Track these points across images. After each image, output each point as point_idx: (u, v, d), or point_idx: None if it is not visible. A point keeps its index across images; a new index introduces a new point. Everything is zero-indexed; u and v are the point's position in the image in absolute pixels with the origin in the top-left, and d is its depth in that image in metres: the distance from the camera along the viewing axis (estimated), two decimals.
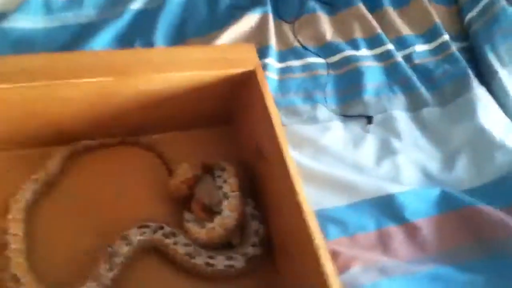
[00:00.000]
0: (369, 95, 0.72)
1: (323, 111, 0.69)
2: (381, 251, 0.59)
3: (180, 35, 0.71)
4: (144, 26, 0.70)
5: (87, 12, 0.70)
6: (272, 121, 0.50)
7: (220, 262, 0.51)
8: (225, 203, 0.52)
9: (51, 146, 0.55)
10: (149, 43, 0.68)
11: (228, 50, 0.54)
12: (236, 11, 0.76)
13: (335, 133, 0.67)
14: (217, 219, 0.52)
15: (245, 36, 0.73)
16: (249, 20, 0.74)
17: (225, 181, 0.54)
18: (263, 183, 0.55)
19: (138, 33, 0.69)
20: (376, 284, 0.56)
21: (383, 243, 0.60)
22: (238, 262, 0.52)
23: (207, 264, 0.51)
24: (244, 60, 0.53)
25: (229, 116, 0.61)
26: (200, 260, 0.51)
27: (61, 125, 0.53)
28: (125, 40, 0.68)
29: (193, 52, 0.52)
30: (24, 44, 0.64)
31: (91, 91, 0.49)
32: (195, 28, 0.72)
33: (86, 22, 0.69)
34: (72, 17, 0.69)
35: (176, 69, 0.50)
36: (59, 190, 0.54)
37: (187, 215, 0.54)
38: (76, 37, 0.67)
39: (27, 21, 0.66)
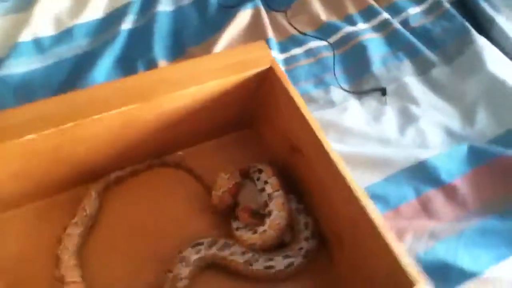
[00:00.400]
0: (377, 67, 0.72)
1: (337, 93, 0.69)
2: (426, 217, 0.60)
3: (179, 46, 0.70)
4: (141, 44, 0.69)
5: (80, 42, 0.68)
6: (301, 111, 0.50)
7: (279, 262, 0.51)
8: (272, 203, 0.52)
9: (82, 185, 0.54)
10: (150, 61, 0.67)
11: (241, 53, 0.53)
12: (226, 11, 0.75)
13: (353, 112, 0.67)
14: (268, 221, 0.52)
15: (243, 34, 0.72)
16: (243, 17, 0.73)
17: (266, 182, 0.53)
18: (302, 176, 0.55)
19: (137, 53, 0.68)
20: (430, 250, 0.57)
21: (426, 209, 0.61)
22: (296, 258, 0.52)
23: (267, 267, 0.51)
24: (258, 59, 0.53)
25: (251, 118, 0.61)
26: (260, 265, 0.51)
27: (89, 163, 0.52)
28: (126, 62, 0.67)
29: (209, 62, 0.51)
30: (25, 88, 0.63)
31: (115, 123, 0.48)
32: (192, 36, 0.71)
33: (81, 52, 0.67)
34: (66, 51, 0.67)
35: (196, 82, 0.49)
36: (101, 226, 0.53)
37: (235, 224, 0.53)
38: (76, 69, 0.65)
39: (22, 65, 0.64)
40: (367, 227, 0.45)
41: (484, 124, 0.68)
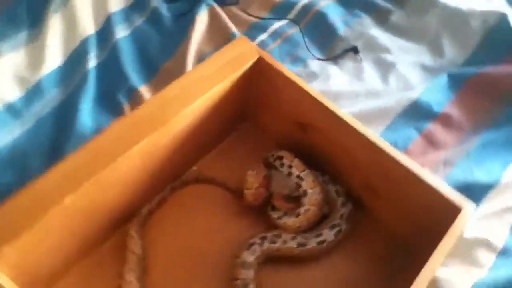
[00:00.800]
0: (342, 30, 0.75)
1: (315, 64, 0.71)
2: (434, 149, 0.65)
3: (152, 67, 0.69)
4: (114, 77, 0.67)
5: (51, 95, 0.66)
6: (304, 88, 0.52)
7: (328, 234, 0.54)
8: (303, 183, 0.54)
9: (119, 228, 0.53)
10: (130, 89, 0.66)
11: (228, 53, 0.53)
12: (181, 18, 0.74)
13: (336, 77, 0.70)
14: (306, 200, 0.54)
15: (208, 36, 0.73)
16: (201, 20, 0.73)
17: (290, 166, 0.55)
18: (320, 149, 0.57)
19: (114, 86, 0.66)
20: (449, 176, 0.61)
21: (431, 142, 0.65)
22: (341, 225, 0.54)
23: (320, 242, 0.53)
24: (246, 54, 0.54)
25: (249, 112, 0.62)
26: (312, 243, 0.53)
27: (120, 205, 0.52)
28: (107, 99, 0.65)
29: (202, 71, 0.52)
30: (17, 159, 0.60)
31: (136, 158, 0.47)
32: (159, 53, 0.70)
33: (57, 104, 0.65)
34: (41, 108, 0.64)
35: (199, 94, 0.50)
36: (151, 261, 0.53)
37: (275, 214, 0.55)
38: (60, 122, 0.63)
39: (3, 137, 0.61)
40: (399, 169, 0.48)
41: (452, 52, 0.73)
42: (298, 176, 0.54)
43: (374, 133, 0.50)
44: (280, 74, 0.53)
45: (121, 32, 0.72)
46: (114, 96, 0.66)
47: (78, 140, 0.60)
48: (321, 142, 0.56)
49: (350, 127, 0.50)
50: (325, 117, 0.52)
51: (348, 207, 0.56)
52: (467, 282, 0.53)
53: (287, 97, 0.55)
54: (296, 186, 0.55)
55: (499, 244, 0.56)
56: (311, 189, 0.54)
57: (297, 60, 0.72)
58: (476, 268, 0.54)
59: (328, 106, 0.51)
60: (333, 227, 0.54)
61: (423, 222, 0.50)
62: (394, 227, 0.55)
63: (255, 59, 0.53)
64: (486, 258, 0.55)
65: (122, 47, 0.70)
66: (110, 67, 0.69)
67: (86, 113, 0.63)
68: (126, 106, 0.65)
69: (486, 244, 0.55)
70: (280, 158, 0.56)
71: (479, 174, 0.62)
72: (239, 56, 0.54)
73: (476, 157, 0.64)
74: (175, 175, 0.58)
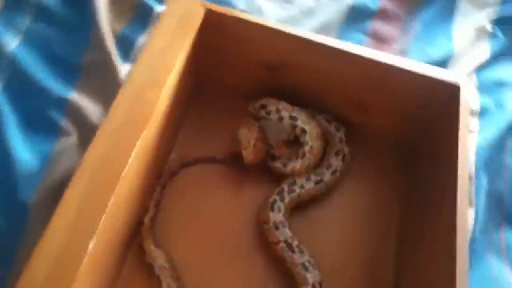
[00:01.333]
0: None
1: (242, 2, 0.66)
2: (386, 45, 0.65)
3: (70, 67, 0.58)
4: (30, 95, 0.56)
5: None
6: (265, 24, 0.47)
7: (336, 163, 0.53)
8: (298, 123, 0.51)
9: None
10: (59, 100, 0.55)
11: (173, 14, 0.45)
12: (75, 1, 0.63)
13: (267, 8, 0.66)
14: (307, 138, 0.51)
15: (116, 10, 0.63)
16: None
17: (278, 110, 0.52)
18: (296, 84, 0.54)
19: (37, 106, 0.55)
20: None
21: (380, 39, 0.66)
22: (343, 149, 0.54)
23: (332, 173, 0.52)
24: (191, 10, 0.47)
25: (201, 74, 0.56)
26: (327, 176, 0.52)
27: (128, 224, 0.45)
28: (37, 122, 0.54)
29: (158, 43, 0.44)
30: None
31: (136, 168, 0.40)
32: (71, 49, 0.59)
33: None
34: None
35: (168, 71, 0.43)
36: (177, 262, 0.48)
37: (278, 163, 0.52)
38: None
39: None
40: (380, 70, 0.47)
41: None
42: (290, 117, 0.51)
43: (356, 46, 0.48)
44: (230, 19, 0.48)
45: (12, 43, 0.60)
46: (44, 117, 0.55)
47: (29, 181, 0.50)
48: (295, 78, 0.53)
49: (326, 46, 0.47)
50: (301, 48, 0.48)
51: (342, 130, 0.55)
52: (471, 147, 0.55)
53: (249, 42, 0.50)
54: (292, 128, 0.52)
55: (475, 107, 0.60)
56: (308, 124, 0.51)
57: (220, 3, 0.66)
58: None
59: (303, 36, 0.47)
60: (337, 153, 0.53)
61: (420, 117, 0.51)
62: (394, 137, 0.55)
63: (203, 14, 0.47)
64: (472, 124, 0.58)
65: (22, 59, 0.58)
66: (21, 87, 0.57)
67: (20, 149, 0.53)
68: (65, 121, 0.55)
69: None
70: (264, 106, 0.52)
71: (433, 52, 0.64)
72: (186, 15, 0.46)
73: (424, 38, 0.66)
74: (159, 174, 0.52)
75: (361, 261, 0.50)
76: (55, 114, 0.55)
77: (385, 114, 0.53)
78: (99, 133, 0.38)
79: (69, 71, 0.59)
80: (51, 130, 0.55)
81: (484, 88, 0.61)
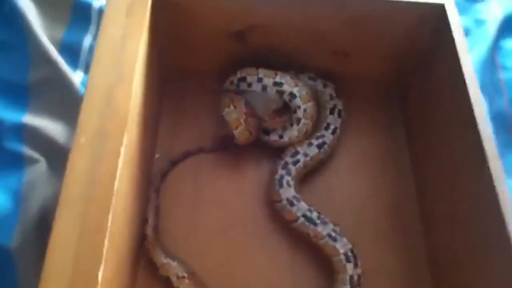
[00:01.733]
0: None
1: None
2: None
3: (17, 89, 0.51)
4: None
5: None
6: None
7: (334, 121, 0.50)
8: (285, 88, 0.47)
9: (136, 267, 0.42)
10: (14, 126, 0.49)
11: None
12: None
13: None
14: (298, 102, 0.47)
15: (49, 16, 0.55)
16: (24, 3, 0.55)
17: (260, 79, 0.47)
18: (276, 49, 0.49)
19: None
20: None
21: None
22: (337, 104, 0.50)
23: (333, 131, 0.49)
24: None
25: (177, 59, 0.50)
26: (329, 136, 0.48)
27: (131, 236, 0.39)
28: None
29: (112, 35, 0.38)
30: None
31: (126, 176, 0.35)
32: (11, 69, 0.52)
33: None
34: None
35: (133, 64, 0.37)
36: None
37: (273, 136, 0.48)
38: None
39: None
40: (360, 9, 0.43)
41: None
42: (275, 83, 0.46)
43: None
44: None
45: None
46: (2, 150, 0.48)
47: (5, 223, 0.44)
48: (267, 42, 0.48)
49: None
50: (268, 7, 0.43)
51: (331, 86, 0.51)
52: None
53: (210, 13, 0.45)
54: (279, 94, 0.47)
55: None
56: (296, 86, 0.47)
57: None
58: None
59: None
60: (332, 111, 0.49)
61: (409, 53, 0.48)
62: (383, 75, 0.52)
63: None
64: None
65: None
66: None
67: None
68: (26, 148, 0.48)
69: None
70: (243, 78, 0.47)
71: None
72: (132, 1, 0.41)
73: None
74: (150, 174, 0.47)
75: (386, 213, 0.47)
76: (13, 144, 0.48)
77: (371, 58, 0.49)
78: (74, 151, 0.32)
79: (17, 94, 0.52)
80: (14, 162, 0.48)
81: (459, 7, 0.58)
